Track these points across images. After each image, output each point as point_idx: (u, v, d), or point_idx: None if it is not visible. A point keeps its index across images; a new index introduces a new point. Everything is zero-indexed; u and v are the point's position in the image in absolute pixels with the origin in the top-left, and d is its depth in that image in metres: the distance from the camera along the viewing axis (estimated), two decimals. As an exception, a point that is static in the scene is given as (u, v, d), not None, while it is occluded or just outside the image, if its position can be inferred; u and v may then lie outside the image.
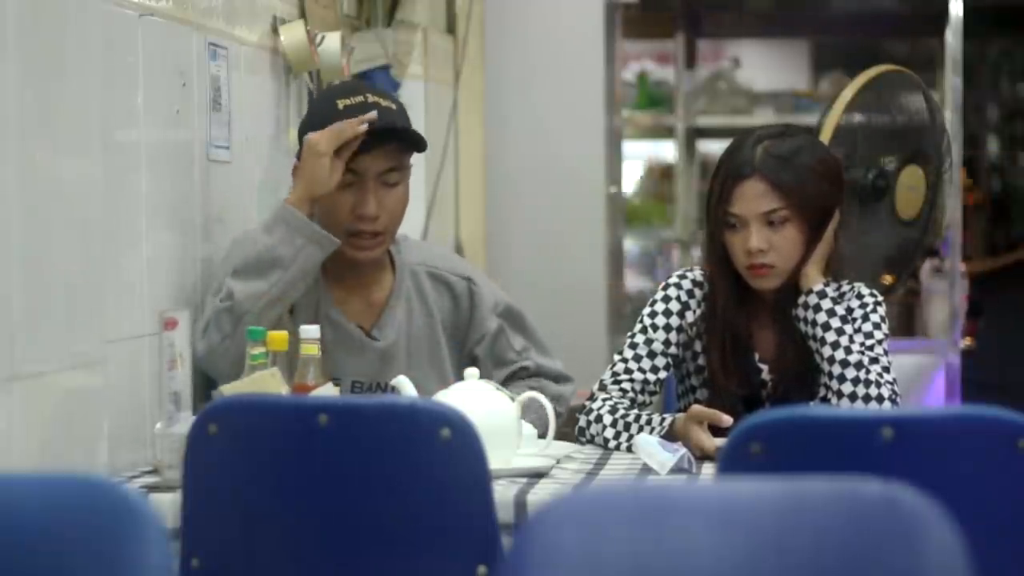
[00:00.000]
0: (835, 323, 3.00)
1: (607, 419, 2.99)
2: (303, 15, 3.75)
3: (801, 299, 3.03)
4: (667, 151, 7.17)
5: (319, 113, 3.16)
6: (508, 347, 3.24)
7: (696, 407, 2.90)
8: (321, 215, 3.12)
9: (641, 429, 2.93)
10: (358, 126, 3.07)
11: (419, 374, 3.06)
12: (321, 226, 3.09)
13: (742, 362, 3.06)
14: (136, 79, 2.92)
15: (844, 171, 3.13)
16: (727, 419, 2.80)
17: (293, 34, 3.63)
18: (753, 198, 2.98)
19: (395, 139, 3.13)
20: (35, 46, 2.43)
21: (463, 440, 2.31)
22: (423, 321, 3.21)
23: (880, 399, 2.96)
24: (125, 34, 2.88)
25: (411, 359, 3.19)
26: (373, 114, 3.08)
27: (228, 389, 2.73)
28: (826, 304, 3.01)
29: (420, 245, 3.35)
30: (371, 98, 3.13)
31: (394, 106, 3.16)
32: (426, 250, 3.32)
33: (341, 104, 3.12)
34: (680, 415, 2.93)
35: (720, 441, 2.75)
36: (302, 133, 3.14)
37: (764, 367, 3.08)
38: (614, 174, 5.66)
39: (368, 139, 3.08)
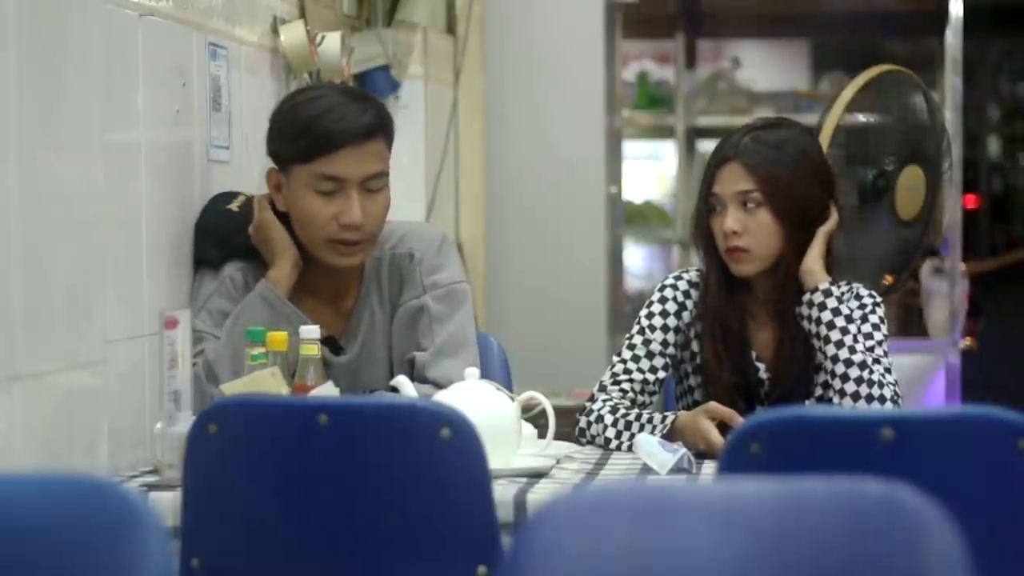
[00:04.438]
0: (840, 322, 3.00)
1: (608, 419, 3.00)
2: (303, 15, 3.76)
3: (806, 297, 3.04)
4: (667, 151, 7.16)
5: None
6: (425, 333, 3.08)
7: (713, 403, 2.91)
8: (299, 224, 3.03)
9: (642, 428, 2.93)
10: None
11: (386, 378, 3.01)
12: (300, 235, 3.03)
13: (736, 352, 3.07)
14: (136, 79, 2.92)
15: (833, 173, 3.12)
16: (740, 420, 2.80)
17: (293, 34, 3.63)
18: (730, 179, 3.04)
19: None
20: (35, 46, 2.43)
21: (463, 440, 2.31)
22: (383, 319, 3.12)
23: (882, 399, 2.97)
24: (125, 34, 2.88)
25: (374, 365, 3.10)
26: None
27: (228, 389, 2.73)
28: (831, 303, 3.01)
29: (387, 229, 3.12)
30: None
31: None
32: (390, 232, 3.13)
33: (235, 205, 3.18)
34: (684, 412, 2.93)
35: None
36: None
37: (761, 365, 3.08)
38: (614, 174, 5.65)
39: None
